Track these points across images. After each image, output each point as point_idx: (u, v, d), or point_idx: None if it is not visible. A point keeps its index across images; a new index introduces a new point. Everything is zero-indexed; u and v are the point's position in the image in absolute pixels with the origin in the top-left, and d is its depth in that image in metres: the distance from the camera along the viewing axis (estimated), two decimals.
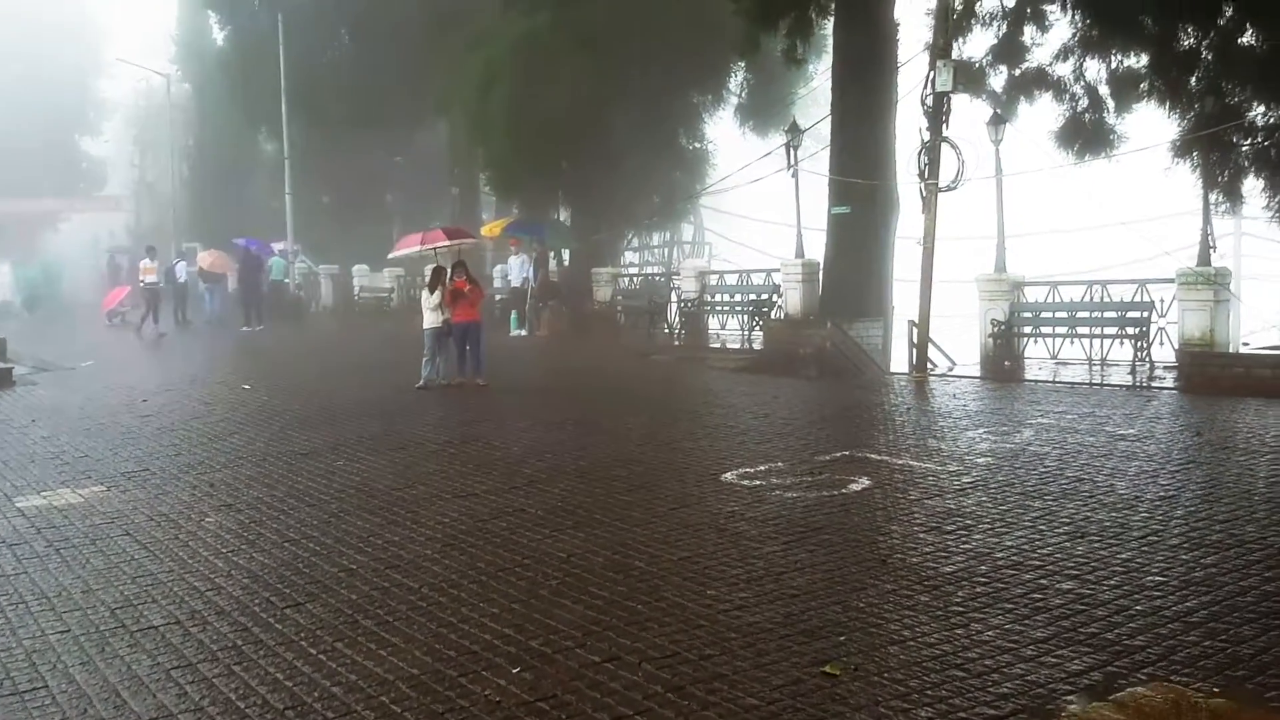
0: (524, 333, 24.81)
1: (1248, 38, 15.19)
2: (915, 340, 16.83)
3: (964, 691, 4.79)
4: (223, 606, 6.21)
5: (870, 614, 5.80)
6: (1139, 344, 15.98)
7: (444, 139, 33.33)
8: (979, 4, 18.22)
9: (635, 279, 28.45)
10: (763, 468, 9.59)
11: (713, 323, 23.75)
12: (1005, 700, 4.70)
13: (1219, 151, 15.37)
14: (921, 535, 7.33)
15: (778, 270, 21.43)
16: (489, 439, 11.67)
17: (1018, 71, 18.41)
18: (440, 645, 5.50)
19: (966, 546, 7.00)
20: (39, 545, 7.60)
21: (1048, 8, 17.75)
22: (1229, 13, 15.11)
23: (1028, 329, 17.88)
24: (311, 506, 8.59)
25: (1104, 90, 17.48)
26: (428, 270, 16.29)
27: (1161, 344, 16.02)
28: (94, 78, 62.97)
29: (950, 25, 16.27)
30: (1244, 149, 15.52)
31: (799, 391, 15.27)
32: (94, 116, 64.46)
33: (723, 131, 29.29)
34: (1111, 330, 16.70)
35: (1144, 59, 16.55)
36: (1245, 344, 16.33)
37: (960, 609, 5.84)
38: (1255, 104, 15.30)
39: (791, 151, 20.28)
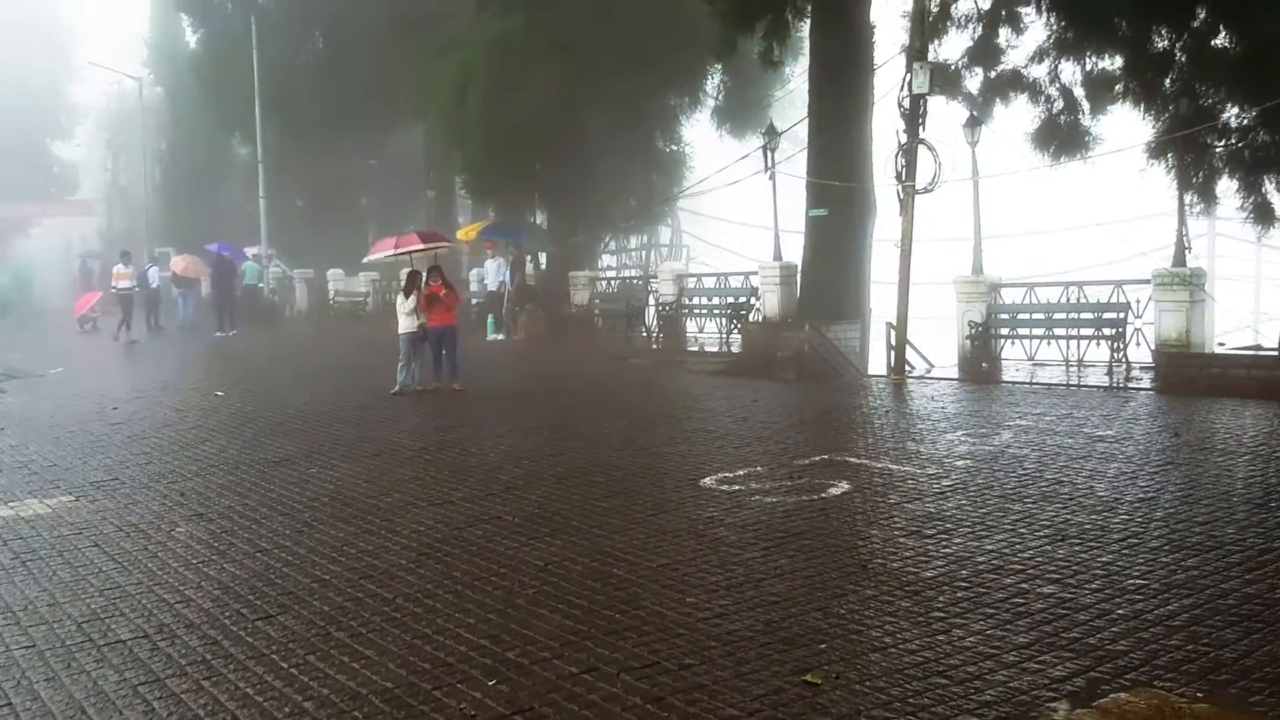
0: (501, 337, 24.70)
1: (1221, 39, 15.26)
2: (893, 342, 16.85)
3: (947, 699, 4.74)
4: (192, 619, 6.09)
5: (851, 620, 5.75)
6: (1115, 345, 16.07)
7: (419, 142, 33.13)
8: (955, 6, 18.23)
9: (613, 282, 28.29)
10: (742, 472, 9.53)
11: (691, 326, 23.69)
12: (989, 708, 4.66)
13: (1193, 153, 15.44)
14: (902, 539, 7.28)
15: (755, 273, 21.42)
16: (465, 445, 11.59)
17: (994, 73, 18.42)
18: (415, 657, 5.41)
19: (947, 551, 6.96)
20: (4, 557, 7.45)
21: (1023, 10, 17.79)
22: (1202, 15, 15.18)
23: (1005, 330, 17.92)
24: (284, 515, 8.47)
25: (1079, 92, 17.53)
26: (403, 274, 16.17)
27: (1138, 345, 16.15)
28: (66, 81, 62.30)
29: (926, 27, 16.28)
30: (1218, 150, 15.59)
31: (777, 395, 15.23)
32: (66, 120, 63.87)
33: (700, 134, 29.24)
34: (1088, 331, 16.77)
35: (1119, 61, 16.60)
36: (1221, 344, 16.38)
37: (942, 615, 5.79)
38: (1229, 105, 15.38)
39: (769, 154, 20.22)
